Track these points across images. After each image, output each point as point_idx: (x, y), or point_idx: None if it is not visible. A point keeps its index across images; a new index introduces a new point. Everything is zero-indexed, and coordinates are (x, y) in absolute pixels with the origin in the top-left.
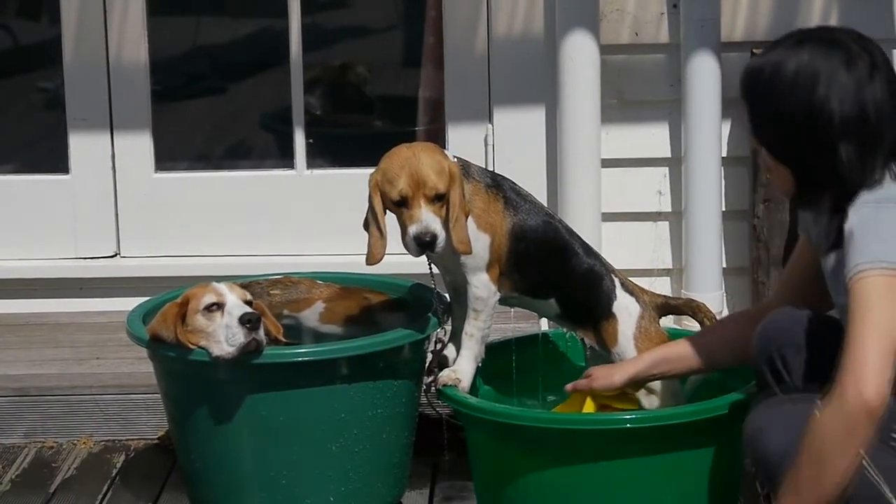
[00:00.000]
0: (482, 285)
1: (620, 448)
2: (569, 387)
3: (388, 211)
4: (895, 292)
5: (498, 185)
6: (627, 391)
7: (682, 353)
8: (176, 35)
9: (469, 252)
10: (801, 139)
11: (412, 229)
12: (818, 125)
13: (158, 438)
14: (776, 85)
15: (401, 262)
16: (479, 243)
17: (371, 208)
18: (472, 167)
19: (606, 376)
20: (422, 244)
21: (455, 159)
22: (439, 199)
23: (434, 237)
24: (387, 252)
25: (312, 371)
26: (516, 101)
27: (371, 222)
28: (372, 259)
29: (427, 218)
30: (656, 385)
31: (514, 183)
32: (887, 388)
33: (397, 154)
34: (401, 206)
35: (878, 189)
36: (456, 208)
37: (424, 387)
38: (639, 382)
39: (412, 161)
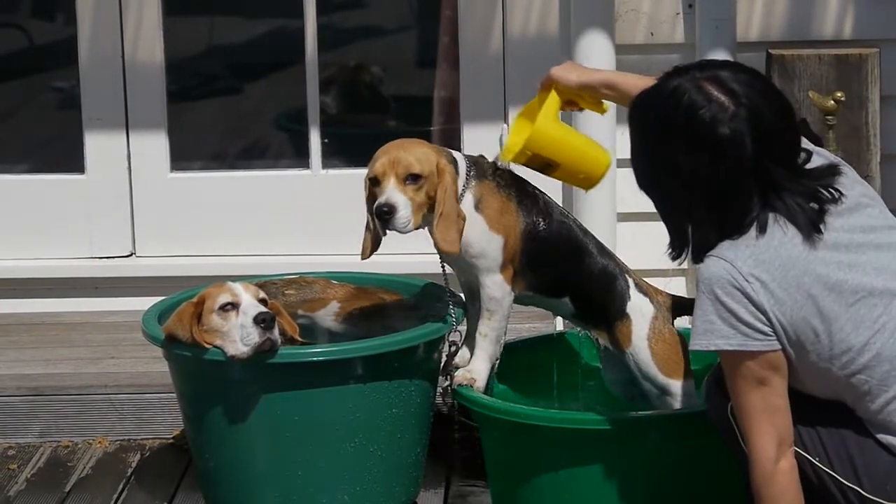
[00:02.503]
0: (496, 286)
1: (635, 446)
2: (539, 86)
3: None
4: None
5: (512, 185)
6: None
7: (630, 87)
8: (191, 35)
9: (454, 252)
10: (653, 193)
11: (376, 203)
12: (666, 183)
13: (173, 438)
14: (635, 127)
15: (415, 263)
16: (493, 244)
17: (366, 202)
18: (487, 166)
19: (565, 72)
20: (379, 215)
21: (479, 156)
22: (413, 180)
23: (392, 209)
24: (401, 252)
25: (327, 371)
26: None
27: (368, 215)
28: (362, 254)
29: (390, 192)
30: (671, 386)
31: (529, 183)
32: (772, 448)
33: (389, 143)
34: (375, 186)
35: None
36: (442, 205)
37: (441, 389)
38: (593, 94)
39: (394, 147)
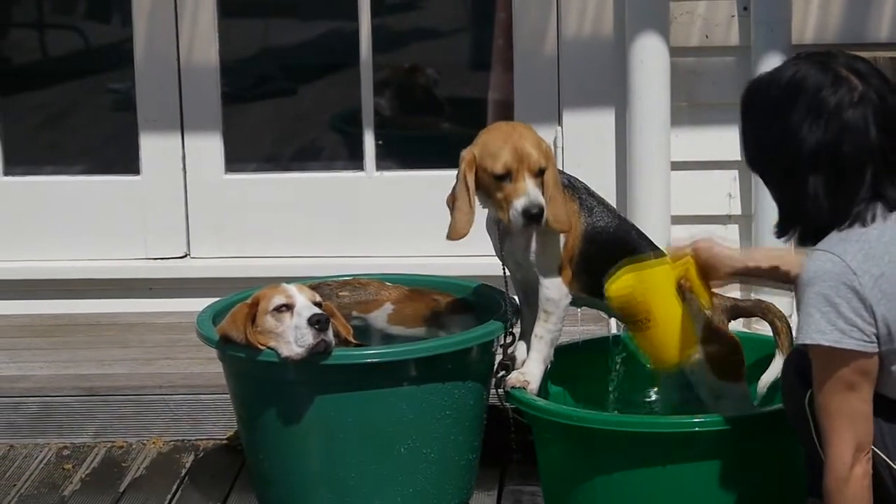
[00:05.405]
0: (554, 287)
1: (689, 450)
2: (670, 249)
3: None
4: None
5: (573, 187)
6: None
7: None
8: (246, 37)
9: (568, 230)
10: (773, 164)
11: (519, 203)
12: (788, 152)
13: (227, 438)
14: (756, 104)
15: (469, 265)
16: (554, 241)
17: (462, 182)
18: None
19: (714, 261)
20: (529, 217)
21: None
22: (541, 174)
23: (541, 209)
24: (455, 255)
25: (381, 372)
26: (586, 103)
27: (460, 197)
28: (455, 233)
29: (533, 191)
30: (726, 389)
31: (587, 185)
32: (849, 454)
33: (497, 129)
34: (503, 179)
35: (844, 231)
36: (551, 187)
37: (494, 388)
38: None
39: (514, 135)
